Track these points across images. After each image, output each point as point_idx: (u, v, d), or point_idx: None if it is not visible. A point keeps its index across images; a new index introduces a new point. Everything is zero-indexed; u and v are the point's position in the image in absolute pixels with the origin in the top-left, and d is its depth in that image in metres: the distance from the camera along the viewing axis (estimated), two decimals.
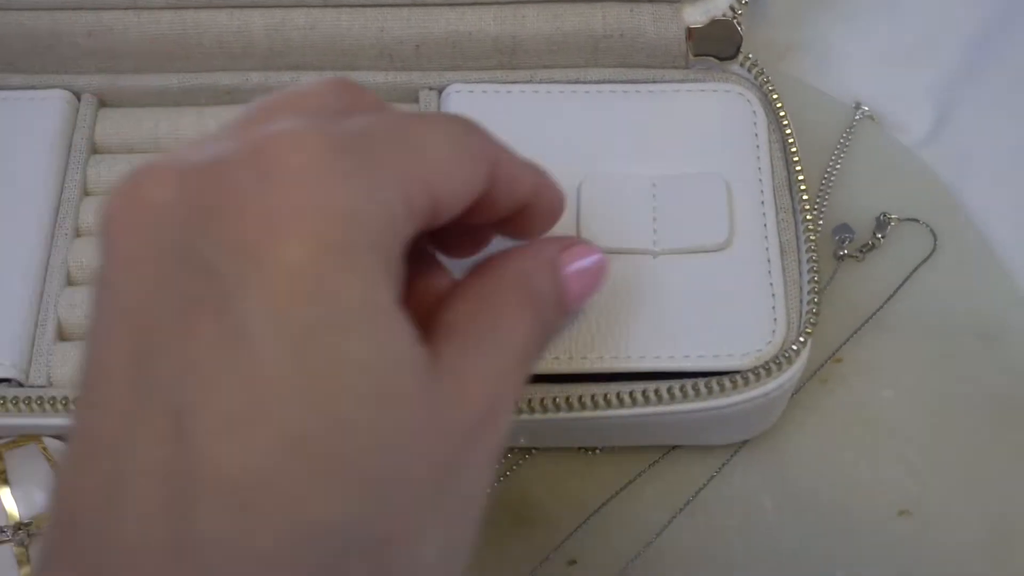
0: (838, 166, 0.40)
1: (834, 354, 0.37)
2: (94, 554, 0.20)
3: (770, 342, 0.33)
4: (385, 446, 0.21)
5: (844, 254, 0.39)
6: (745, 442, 0.36)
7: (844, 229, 0.39)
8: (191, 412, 0.20)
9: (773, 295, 0.33)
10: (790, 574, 0.35)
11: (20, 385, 0.34)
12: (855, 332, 0.37)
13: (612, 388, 0.32)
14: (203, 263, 0.21)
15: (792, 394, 0.36)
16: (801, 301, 0.34)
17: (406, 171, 0.23)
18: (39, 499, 0.35)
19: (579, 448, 0.36)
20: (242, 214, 0.21)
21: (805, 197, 0.35)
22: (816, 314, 0.33)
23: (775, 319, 0.33)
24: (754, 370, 0.32)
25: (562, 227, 0.34)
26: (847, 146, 0.40)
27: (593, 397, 0.32)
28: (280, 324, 0.20)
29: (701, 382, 0.32)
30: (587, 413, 0.32)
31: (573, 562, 0.35)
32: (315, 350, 0.21)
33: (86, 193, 0.37)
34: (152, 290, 0.21)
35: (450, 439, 0.23)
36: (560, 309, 0.28)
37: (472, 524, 0.24)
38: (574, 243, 0.29)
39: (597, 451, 0.36)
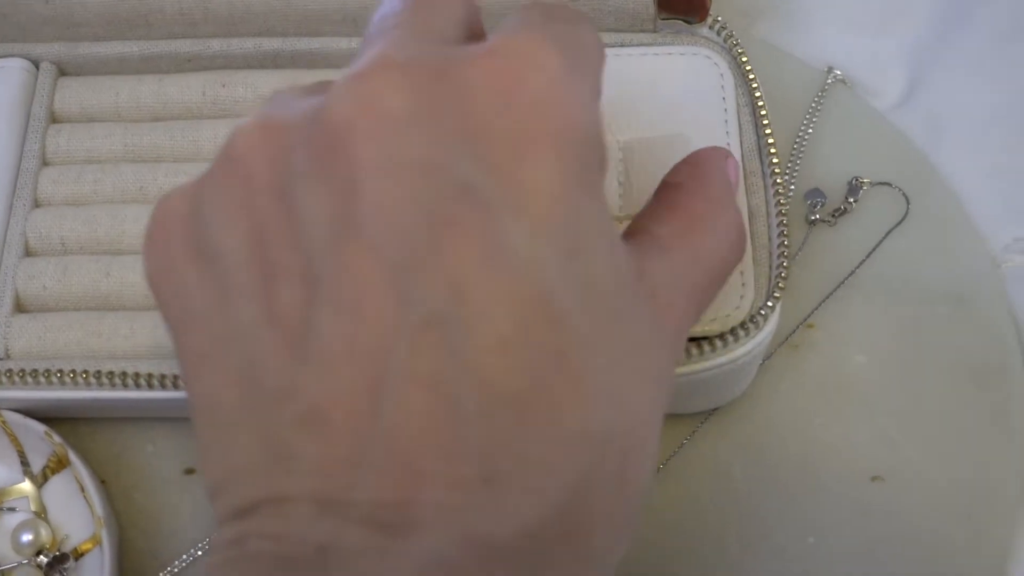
0: (810, 131, 0.39)
1: (806, 319, 0.37)
2: (353, 446, 0.21)
3: (738, 307, 0.32)
4: (622, 359, 0.22)
5: (816, 219, 0.38)
6: (715, 409, 0.36)
7: (816, 194, 0.38)
8: (462, 329, 0.21)
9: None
10: (762, 541, 0.34)
11: None
12: (827, 297, 0.37)
13: None
14: (458, 181, 0.21)
15: (763, 360, 0.35)
16: (771, 266, 0.33)
17: (596, 79, 0.24)
18: None
19: None
20: (492, 134, 0.21)
21: (775, 161, 0.34)
22: (785, 278, 0.32)
23: (743, 284, 0.33)
24: (722, 335, 0.32)
25: None
26: (819, 110, 0.40)
27: None
28: (542, 248, 0.21)
29: None
30: None
31: None
32: (572, 273, 0.22)
33: (45, 163, 0.37)
34: (406, 202, 0.21)
35: (658, 351, 0.24)
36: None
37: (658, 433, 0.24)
38: (725, 151, 0.30)
39: None
